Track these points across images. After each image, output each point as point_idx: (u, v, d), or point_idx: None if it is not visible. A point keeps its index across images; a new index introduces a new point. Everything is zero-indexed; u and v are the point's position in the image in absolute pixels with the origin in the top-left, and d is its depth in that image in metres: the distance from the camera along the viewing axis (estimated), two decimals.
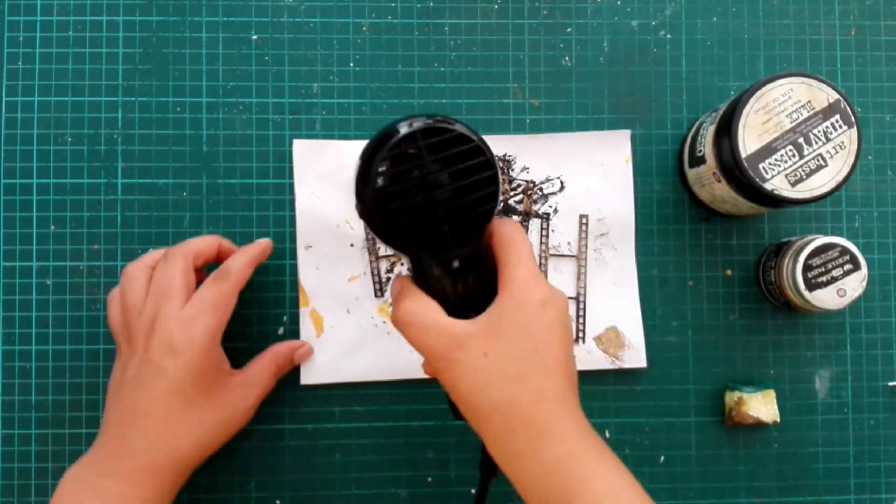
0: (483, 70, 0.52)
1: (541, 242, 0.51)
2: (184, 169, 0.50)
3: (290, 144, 0.50)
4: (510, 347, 0.36)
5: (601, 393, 0.50)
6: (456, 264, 0.36)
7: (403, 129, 0.34)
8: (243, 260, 0.44)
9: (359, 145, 0.50)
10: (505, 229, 0.38)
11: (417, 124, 0.34)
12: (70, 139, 0.50)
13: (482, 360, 0.35)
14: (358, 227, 0.50)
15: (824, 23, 0.53)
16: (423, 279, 0.37)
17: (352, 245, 0.50)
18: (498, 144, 0.51)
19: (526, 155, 0.51)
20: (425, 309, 0.36)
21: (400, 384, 0.50)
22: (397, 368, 0.49)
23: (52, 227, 0.50)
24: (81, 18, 0.51)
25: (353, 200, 0.36)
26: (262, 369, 0.45)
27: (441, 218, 0.35)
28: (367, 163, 0.34)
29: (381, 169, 0.34)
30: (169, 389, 0.40)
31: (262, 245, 0.46)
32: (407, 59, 0.51)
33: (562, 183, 0.51)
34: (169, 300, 0.41)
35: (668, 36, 0.52)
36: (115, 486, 0.40)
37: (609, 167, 0.51)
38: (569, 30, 0.52)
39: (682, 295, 0.51)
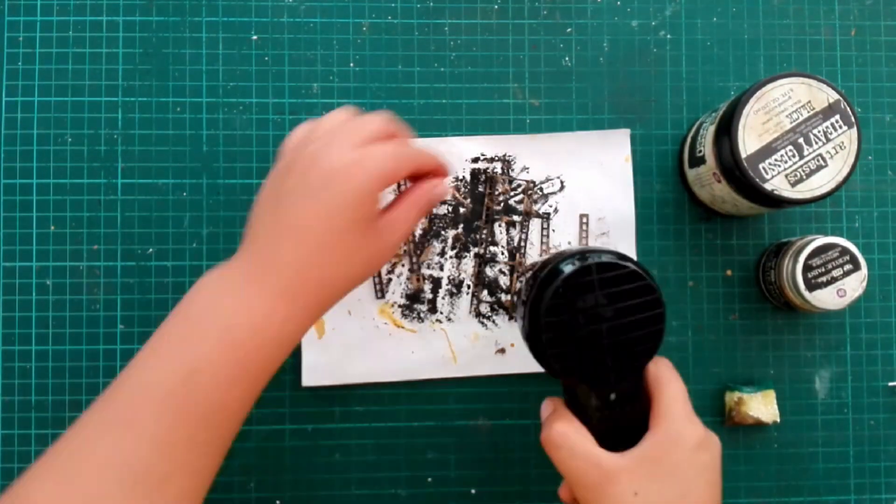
0: (483, 70, 0.52)
1: (541, 242, 0.51)
2: (184, 169, 0.50)
3: None
4: (661, 489, 0.35)
5: None
6: (613, 396, 0.37)
7: (574, 265, 0.36)
8: (431, 155, 0.40)
9: None
10: (661, 367, 0.38)
11: (592, 259, 0.36)
12: (70, 139, 0.50)
13: (632, 498, 0.35)
14: None
15: (824, 23, 0.53)
16: (575, 405, 0.38)
17: None
18: (498, 144, 0.51)
19: (526, 155, 0.51)
20: (577, 435, 0.37)
21: (400, 384, 0.50)
22: (399, 370, 0.49)
23: (52, 228, 0.50)
24: (81, 18, 0.51)
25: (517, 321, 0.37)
26: (407, 210, 0.40)
27: (605, 350, 0.36)
28: (539, 289, 0.36)
29: (551, 297, 0.35)
30: (332, 210, 0.36)
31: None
32: (407, 59, 0.51)
33: (562, 182, 0.51)
34: (354, 135, 0.38)
35: (668, 36, 0.52)
36: (261, 297, 0.36)
37: (609, 167, 0.51)
38: (569, 30, 0.52)
39: (682, 295, 0.51)
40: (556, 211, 0.51)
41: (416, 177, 0.41)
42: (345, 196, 0.36)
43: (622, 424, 0.37)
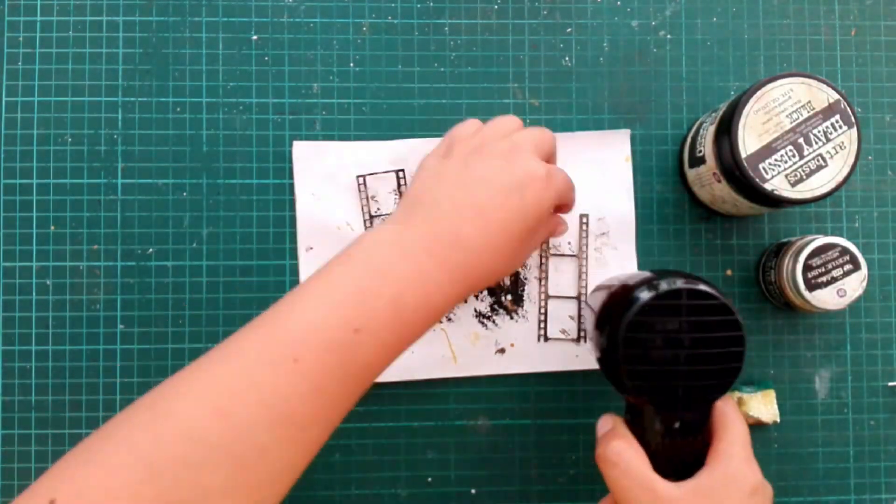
0: (483, 70, 0.52)
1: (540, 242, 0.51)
2: (184, 169, 0.50)
3: (291, 145, 0.50)
4: None
5: (601, 393, 0.50)
6: (677, 425, 0.37)
7: (669, 284, 0.36)
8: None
9: (359, 146, 0.50)
10: (728, 406, 0.38)
11: (682, 283, 0.36)
12: (70, 139, 0.50)
13: None
14: (358, 228, 0.50)
15: (824, 23, 0.53)
16: (637, 427, 0.38)
17: None
18: None
19: None
20: (634, 455, 0.37)
21: (400, 384, 0.50)
22: (398, 370, 0.49)
23: (52, 228, 0.50)
24: (81, 19, 0.51)
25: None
26: (541, 233, 0.42)
27: (680, 377, 0.36)
28: (622, 306, 0.36)
29: (636, 313, 0.35)
30: (521, 207, 0.37)
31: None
32: (407, 59, 0.51)
33: None
34: (540, 147, 0.40)
35: (668, 36, 0.52)
36: (433, 269, 0.36)
37: (609, 166, 0.51)
38: (569, 30, 0.52)
39: None
40: None
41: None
42: (537, 203, 0.38)
43: (680, 455, 0.37)
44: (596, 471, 0.50)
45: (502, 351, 0.50)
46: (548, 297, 0.50)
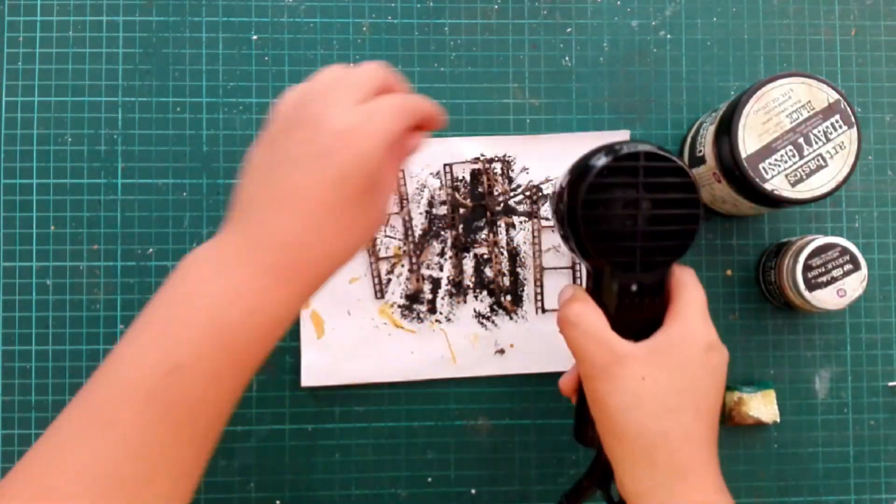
0: (483, 70, 0.52)
1: (532, 243, 0.51)
2: (184, 169, 0.50)
3: None
4: (670, 379, 0.36)
5: None
6: (634, 287, 0.37)
7: (628, 148, 0.36)
8: (431, 103, 0.37)
9: None
10: (685, 272, 0.38)
11: (643, 147, 0.36)
12: (70, 139, 0.50)
13: (639, 382, 0.35)
14: None
15: (824, 23, 0.53)
16: (597, 291, 0.38)
17: None
18: (498, 145, 0.51)
19: (526, 155, 0.51)
20: (593, 315, 0.37)
21: (399, 384, 0.50)
22: (398, 370, 0.49)
23: (53, 228, 0.50)
24: (81, 18, 0.51)
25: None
26: (394, 168, 0.37)
27: (638, 238, 0.36)
28: (584, 167, 0.36)
29: (595, 174, 0.35)
30: (340, 177, 0.32)
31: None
32: (407, 58, 0.51)
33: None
34: (354, 91, 0.34)
35: (668, 36, 0.52)
36: (251, 279, 0.32)
37: None
38: (569, 30, 0.52)
39: None
40: None
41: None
42: (357, 160, 0.32)
43: (639, 317, 0.38)
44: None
45: (501, 352, 0.50)
46: (542, 268, 0.50)
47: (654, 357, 0.36)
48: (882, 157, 0.52)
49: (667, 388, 0.35)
